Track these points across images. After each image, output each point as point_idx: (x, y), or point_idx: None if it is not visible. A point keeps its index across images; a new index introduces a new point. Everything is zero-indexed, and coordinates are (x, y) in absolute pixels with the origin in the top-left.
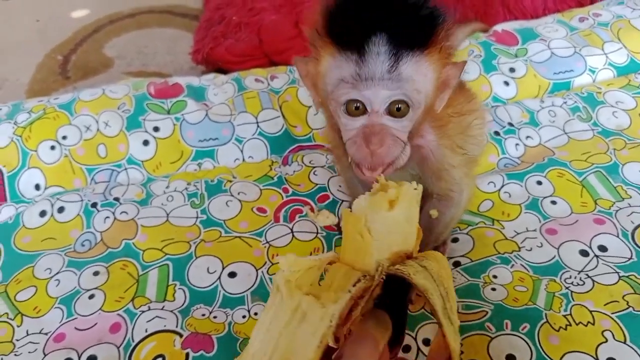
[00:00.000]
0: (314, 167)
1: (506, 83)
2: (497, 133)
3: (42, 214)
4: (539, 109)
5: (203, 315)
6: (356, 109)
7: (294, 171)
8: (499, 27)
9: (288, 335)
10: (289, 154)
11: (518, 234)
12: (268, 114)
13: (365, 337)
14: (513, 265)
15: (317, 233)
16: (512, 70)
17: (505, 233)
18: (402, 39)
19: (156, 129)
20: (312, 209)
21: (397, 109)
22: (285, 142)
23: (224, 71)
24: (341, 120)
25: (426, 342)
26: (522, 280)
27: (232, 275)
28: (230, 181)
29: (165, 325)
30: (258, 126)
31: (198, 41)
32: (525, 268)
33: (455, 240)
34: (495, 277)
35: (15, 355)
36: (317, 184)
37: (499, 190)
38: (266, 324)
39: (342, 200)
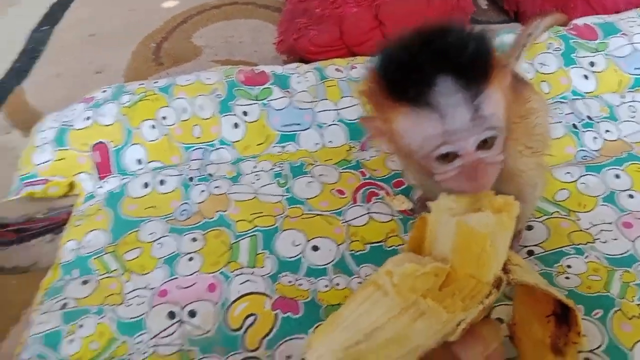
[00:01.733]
0: (391, 154)
1: (585, 77)
2: (574, 126)
3: (145, 185)
4: (619, 104)
5: (289, 282)
6: (448, 156)
7: (371, 157)
8: (579, 21)
9: (397, 326)
10: (366, 140)
11: (594, 225)
12: (347, 102)
13: (479, 338)
14: (587, 256)
15: (393, 216)
16: (592, 64)
17: (581, 224)
18: (468, 80)
19: (245, 113)
20: (387, 193)
21: (485, 143)
22: (364, 129)
23: (305, 61)
24: (435, 168)
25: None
26: (597, 270)
27: (315, 248)
28: (312, 164)
29: (256, 288)
30: (338, 113)
31: (282, 32)
32: (599, 259)
33: (529, 227)
34: (569, 267)
35: (125, 306)
36: (393, 170)
37: (576, 180)
38: (359, 310)
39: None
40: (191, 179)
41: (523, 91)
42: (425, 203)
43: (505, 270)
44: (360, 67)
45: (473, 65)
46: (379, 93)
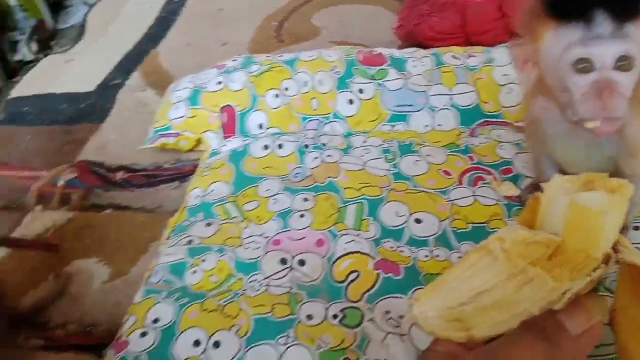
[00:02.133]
0: (501, 142)
1: None
2: None
3: (265, 147)
4: None
5: (391, 247)
6: (585, 66)
7: (480, 143)
8: None
9: (503, 290)
10: (476, 126)
11: None
12: (462, 88)
13: (583, 309)
14: None
15: (498, 200)
16: None
17: None
18: (622, 10)
19: (361, 91)
20: (495, 179)
21: (623, 64)
22: (475, 116)
23: (420, 47)
24: (571, 80)
25: None
26: None
27: (417, 221)
28: (420, 144)
29: (360, 248)
30: (451, 98)
31: (403, 18)
32: None
33: (636, 228)
34: None
35: (243, 248)
36: (502, 157)
37: None
38: (468, 272)
39: (526, 176)
40: (306, 146)
41: None
42: (532, 191)
43: (614, 249)
44: (478, 57)
45: (626, 2)
46: (536, 14)
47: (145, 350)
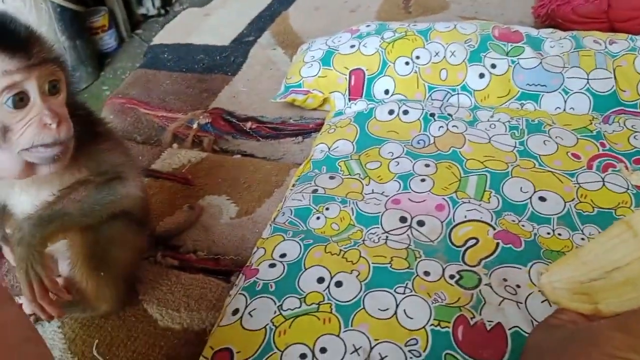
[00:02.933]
0: (636, 132)
1: None
2: None
3: (391, 112)
4: None
5: (513, 221)
6: None
7: (614, 130)
8: None
9: (638, 268)
10: (610, 114)
11: None
12: (599, 74)
13: None
14: None
15: (627, 189)
16: None
17: None
18: None
19: (493, 66)
20: (626, 168)
21: None
22: (610, 103)
23: (557, 28)
24: None
25: None
26: None
27: (542, 199)
28: (550, 125)
29: (481, 217)
30: (587, 82)
31: None
32: None
33: None
34: None
35: (365, 203)
36: (635, 147)
37: None
38: (605, 246)
39: None
40: (432, 114)
41: None
42: None
43: None
44: (620, 44)
45: None
46: None
47: (274, 279)
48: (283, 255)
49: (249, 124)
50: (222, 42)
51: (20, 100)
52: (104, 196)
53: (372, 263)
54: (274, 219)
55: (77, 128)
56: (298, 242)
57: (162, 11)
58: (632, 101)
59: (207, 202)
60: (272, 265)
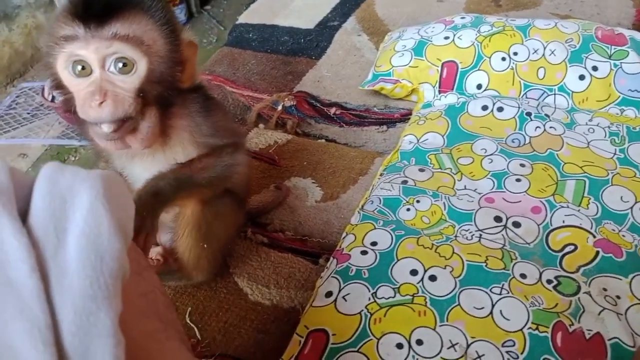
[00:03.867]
0: None
1: None
2: None
3: (484, 108)
4: None
5: (613, 230)
6: None
7: None
8: None
9: None
10: None
11: None
12: None
13: None
14: None
15: None
16: None
17: None
18: None
19: (595, 68)
20: None
21: None
22: None
23: None
24: None
25: None
26: None
27: None
28: None
29: (580, 224)
30: None
31: None
32: None
33: None
34: None
35: (457, 198)
36: None
37: None
38: None
39: None
40: (529, 114)
41: None
42: None
43: None
44: None
45: None
46: None
47: (367, 266)
48: (374, 244)
49: (333, 110)
50: (306, 26)
51: (83, 69)
52: (227, 164)
53: (467, 260)
54: (362, 206)
55: (189, 103)
56: (389, 232)
57: None
58: None
59: (293, 184)
60: (364, 253)
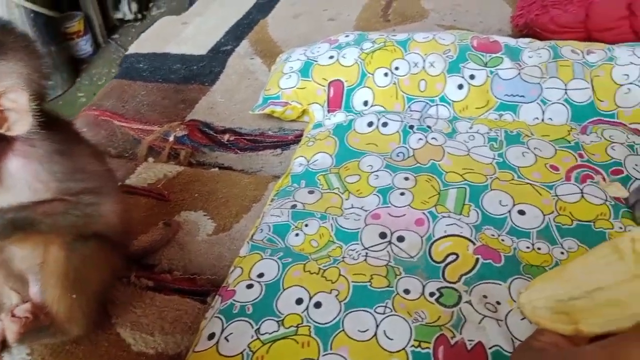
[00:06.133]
0: (613, 142)
1: None
2: None
3: (370, 124)
4: None
5: (492, 235)
6: None
7: (591, 141)
8: None
9: (622, 290)
10: (588, 124)
11: None
12: (578, 84)
13: None
14: None
15: (606, 200)
16: None
17: None
18: None
19: (472, 76)
20: (603, 179)
21: None
22: (588, 113)
23: (535, 38)
24: None
25: None
26: None
27: (521, 212)
28: (528, 136)
29: (461, 232)
30: (566, 92)
31: (524, 6)
32: None
33: None
34: None
35: (345, 218)
36: (612, 158)
37: None
38: (590, 266)
39: (635, 179)
40: (411, 126)
41: None
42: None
43: None
44: (598, 54)
45: None
46: None
47: (252, 301)
48: (261, 275)
49: (226, 136)
50: (199, 52)
51: None
52: (82, 213)
53: (352, 282)
54: (252, 236)
55: (39, 143)
56: (276, 261)
57: (139, 15)
58: (610, 111)
59: (183, 219)
60: (250, 286)
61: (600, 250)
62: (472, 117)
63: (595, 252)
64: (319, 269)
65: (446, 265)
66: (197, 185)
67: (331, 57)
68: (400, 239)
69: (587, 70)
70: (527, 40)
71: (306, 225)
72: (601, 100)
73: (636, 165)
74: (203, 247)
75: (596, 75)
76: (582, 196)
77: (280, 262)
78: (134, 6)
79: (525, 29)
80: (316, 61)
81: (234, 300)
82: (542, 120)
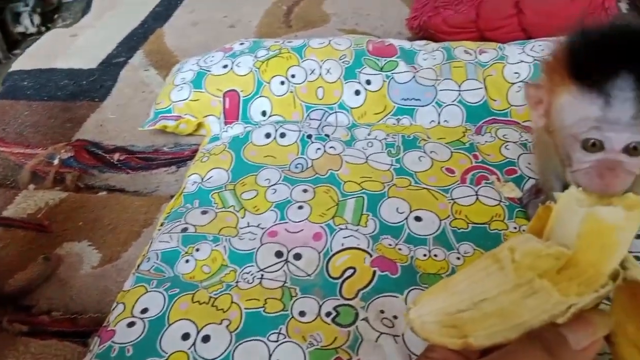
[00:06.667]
0: (507, 142)
1: None
2: None
3: (267, 135)
4: None
5: (390, 245)
6: (593, 145)
7: (486, 141)
8: None
9: (505, 300)
10: (483, 124)
11: None
12: (471, 84)
13: (588, 324)
14: None
15: (500, 201)
16: None
17: None
18: None
19: (368, 82)
20: (498, 179)
21: (634, 149)
22: (482, 113)
23: (431, 40)
24: (575, 155)
25: None
26: None
27: (417, 219)
28: (425, 140)
29: (358, 244)
30: (459, 94)
31: (417, 8)
32: None
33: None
34: None
35: (239, 239)
36: (506, 157)
37: None
38: (473, 278)
39: (529, 177)
40: (309, 136)
41: None
42: (534, 194)
43: (622, 266)
44: (490, 53)
45: None
46: (560, 65)
47: (132, 341)
48: (144, 311)
49: (116, 155)
50: (89, 65)
51: None
52: None
53: (245, 308)
54: (138, 266)
55: None
56: (162, 293)
57: (43, 29)
58: (503, 110)
59: (65, 251)
60: (131, 324)
61: (481, 262)
62: (371, 123)
63: (477, 263)
64: (210, 297)
65: (344, 280)
66: (82, 213)
67: (225, 67)
68: (297, 256)
69: (480, 70)
70: (422, 42)
71: (197, 250)
72: (494, 100)
73: (529, 163)
74: (87, 281)
75: (489, 75)
76: (477, 198)
77: (167, 294)
78: (37, 19)
79: (421, 31)
80: (209, 71)
81: (112, 342)
82: (439, 122)
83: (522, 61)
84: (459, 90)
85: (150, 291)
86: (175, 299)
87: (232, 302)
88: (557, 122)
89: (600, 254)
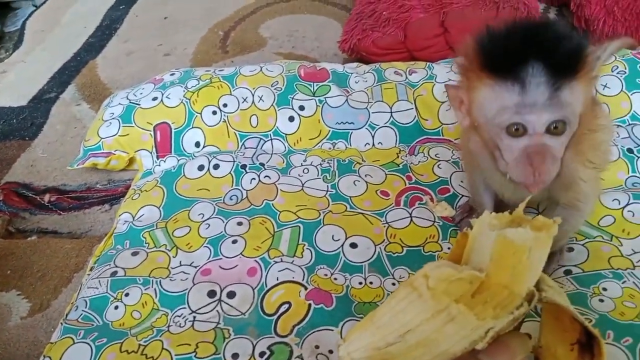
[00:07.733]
0: (439, 161)
1: None
2: (630, 150)
3: (200, 167)
4: None
5: (325, 275)
6: (516, 130)
7: (419, 161)
8: None
9: (427, 329)
10: (416, 144)
11: (635, 252)
12: (402, 105)
13: (506, 349)
14: (625, 281)
15: (434, 221)
16: None
17: (622, 250)
18: (557, 68)
19: (301, 107)
20: (432, 199)
21: (555, 128)
22: (415, 133)
23: (364, 61)
24: (503, 143)
25: None
26: (632, 297)
27: (353, 245)
28: (360, 163)
29: (293, 277)
30: (391, 115)
31: (347, 31)
32: (637, 286)
33: (570, 249)
34: (604, 289)
35: (170, 280)
36: (439, 177)
37: (623, 208)
38: (395, 309)
39: (462, 195)
40: (244, 166)
41: (595, 107)
42: (466, 211)
43: (538, 288)
44: (419, 73)
45: (565, 58)
46: (472, 63)
47: None
48: None
49: (47, 197)
50: (19, 103)
51: None
52: None
53: (175, 355)
54: (67, 315)
55: None
56: (89, 344)
57: None
58: (435, 129)
59: None
60: None
61: (400, 291)
62: (307, 148)
63: (396, 293)
64: (139, 345)
65: (279, 316)
66: (10, 260)
67: (155, 99)
68: (231, 294)
69: (411, 90)
70: (354, 65)
71: (127, 295)
72: (426, 119)
73: (461, 182)
74: (16, 333)
75: (419, 95)
76: (412, 220)
77: (94, 345)
78: None
79: (353, 53)
80: (138, 104)
81: None
82: (373, 145)
83: (450, 79)
84: (391, 112)
85: (77, 342)
86: (103, 349)
87: (162, 348)
88: (480, 116)
89: (512, 275)
